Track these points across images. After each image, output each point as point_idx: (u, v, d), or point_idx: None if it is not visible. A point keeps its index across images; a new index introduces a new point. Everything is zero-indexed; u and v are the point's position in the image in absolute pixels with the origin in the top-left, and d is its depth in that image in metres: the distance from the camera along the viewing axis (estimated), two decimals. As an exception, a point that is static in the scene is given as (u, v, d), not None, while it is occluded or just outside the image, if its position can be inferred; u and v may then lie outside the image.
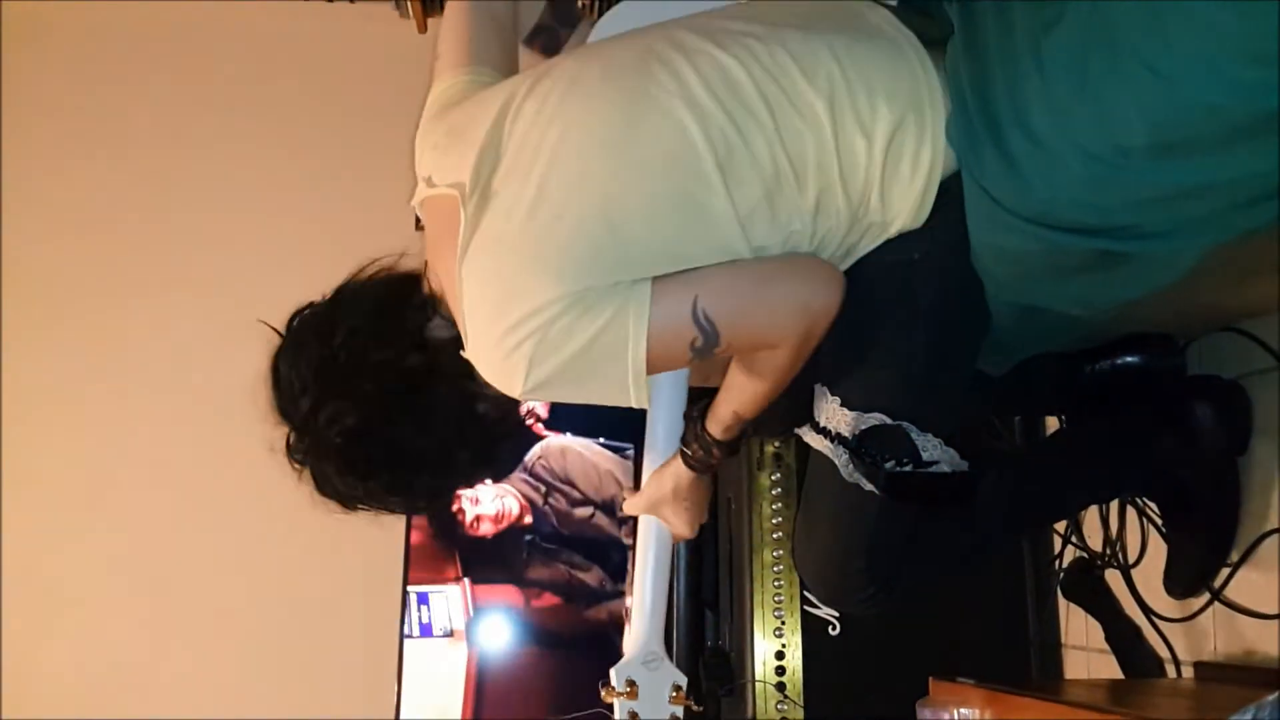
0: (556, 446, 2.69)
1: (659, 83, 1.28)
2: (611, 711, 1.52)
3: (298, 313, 1.41)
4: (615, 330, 1.24)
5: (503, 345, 1.25)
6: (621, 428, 2.60)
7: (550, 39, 2.14)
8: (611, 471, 2.62)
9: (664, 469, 1.54)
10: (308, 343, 1.35)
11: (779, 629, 2.06)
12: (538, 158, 1.28)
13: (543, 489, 2.67)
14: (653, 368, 1.26)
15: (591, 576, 2.63)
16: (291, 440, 1.38)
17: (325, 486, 1.38)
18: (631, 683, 1.47)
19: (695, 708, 1.50)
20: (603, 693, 1.49)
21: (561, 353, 1.24)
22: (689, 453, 1.50)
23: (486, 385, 1.32)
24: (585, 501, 2.67)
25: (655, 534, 1.57)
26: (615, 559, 2.56)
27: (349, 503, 1.39)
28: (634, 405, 1.29)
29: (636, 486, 1.60)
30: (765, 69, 1.28)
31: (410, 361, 1.35)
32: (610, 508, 2.61)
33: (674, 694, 1.48)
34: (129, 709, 2.52)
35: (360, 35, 2.84)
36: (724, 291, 1.27)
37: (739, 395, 1.42)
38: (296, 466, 1.38)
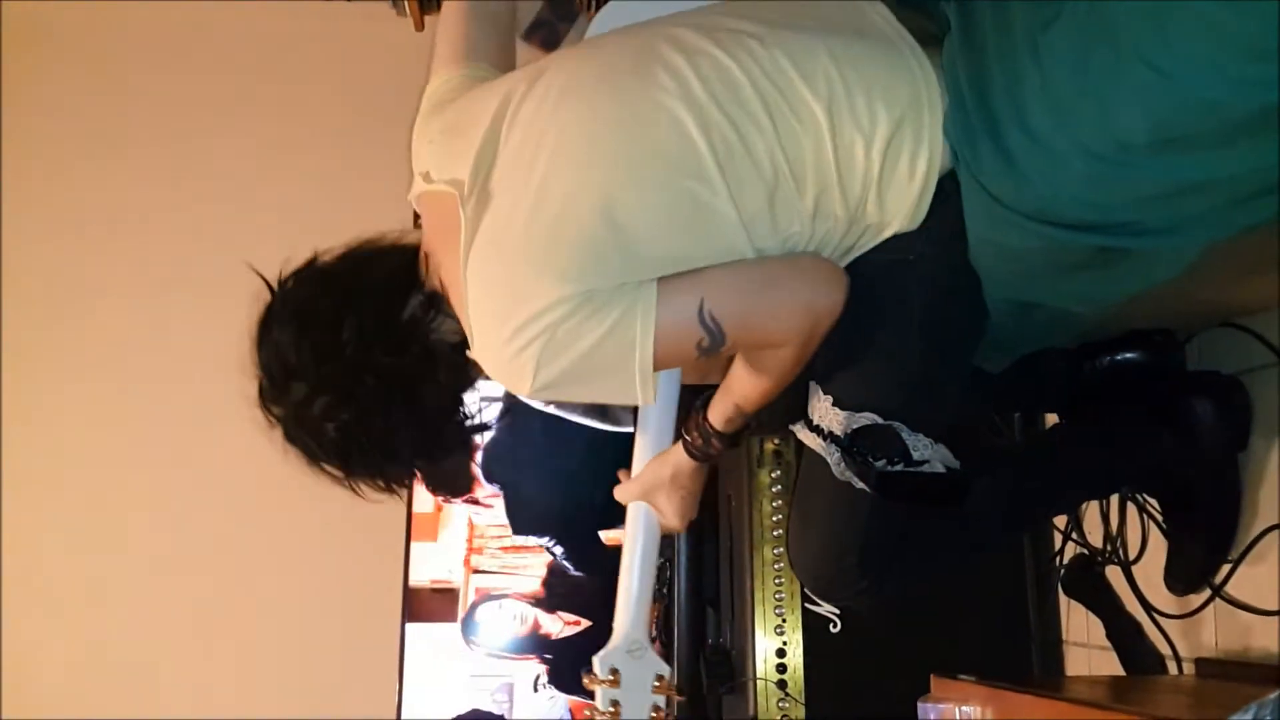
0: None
1: (659, 83, 1.28)
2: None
3: (296, 274, 1.40)
4: (623, 332, 1.25)
5: (510, 347, 1.26)
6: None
7: (549, 34, 2.15)
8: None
9: (664, 456, 1.53)
10: (311, 326, 1.35)
11: (780, 626, 2.06)
12: (537, 158, 1.28)
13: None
14: (659, 366, 1.27)
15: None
16: (269, 398, 1.37)
17: (298, 444, 1.38)
18: (615, 671, 1.46)
19: (678, 697, 1.49)
20: (585, 680, 1.48)
21: (569, 354, 1.25)
22: (690, 440, 1.50)
23: (476, 378, 1.35)
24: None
25: (644, 523, 1.55)
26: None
27: (317, 464, 1.39)
28: (641, 403, 1.30)
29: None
30: (764, 71, 1.27)
31: (413, 366, 1.36)
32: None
33: (657, 683, 1.47)
34: (128, 706, 2.53)
35: (359, 34, 2.83)
36: (729, 293, 1.28)
37: (742, 390, 1.42)
38: (270, 420, 1.38)
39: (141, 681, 2.61)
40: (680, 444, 1.52)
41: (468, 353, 1.33)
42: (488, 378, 1.37)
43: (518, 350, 1.25)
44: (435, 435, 1.42)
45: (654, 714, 1.45)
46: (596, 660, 1.47)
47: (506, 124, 1.33)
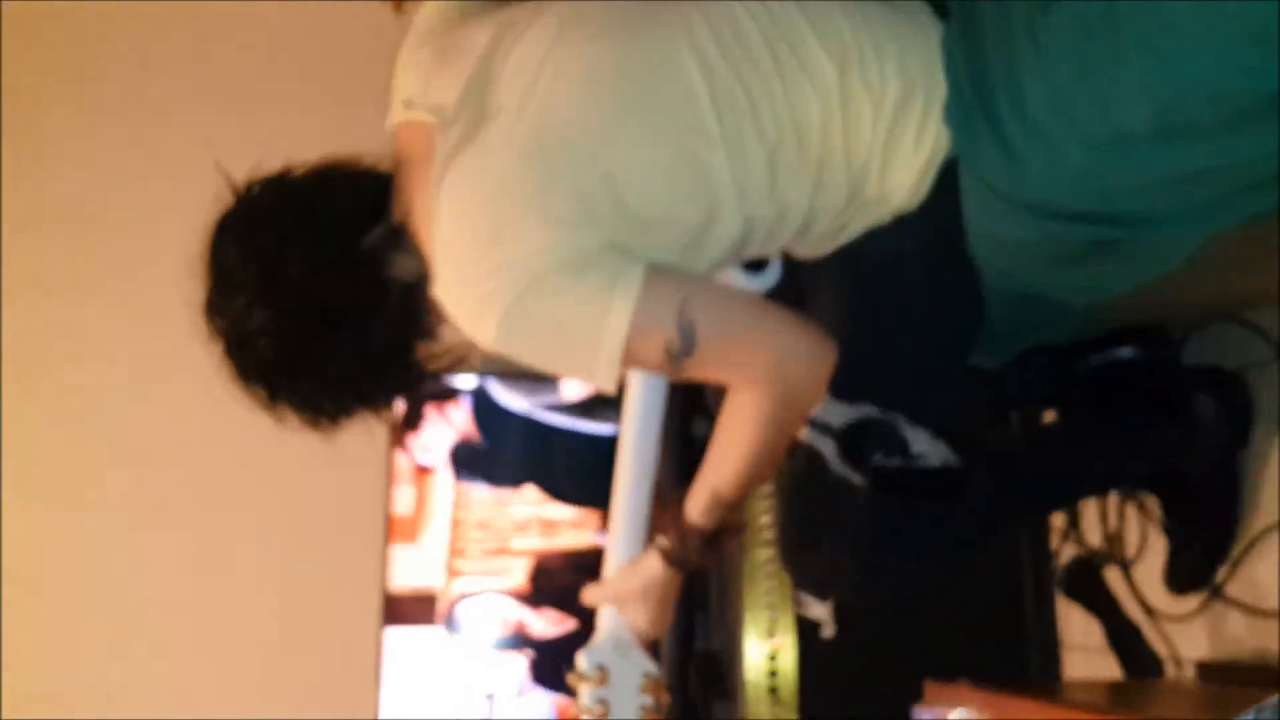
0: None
1: (666, 28, 1.24)
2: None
3: (263, 182, 1.34)
4: (598, 302, 1.19)
5: (478, 290, 1.20)
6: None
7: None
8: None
9: (633, 565, 1.43)
10: (262, 238, 1.28)
11: (771, 631, 2.03)
12: (531, 95, 1.23)
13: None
14: (626, 356, 1.21)
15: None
16: (213, 307, 1.31)
17: (233, 360, 1.31)
18: (602, 668, 1.42)
19: (667, 697, 1.45)
20: (570, 678, 1.44)
21: (540, 309, 1.19)
22: (664, 542, 1.39)
23: (427, 325, 1.30)
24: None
25: (629, 517, 1.50)
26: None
27: (246, 384, 1.32)
28: (599, 386, 1.23)
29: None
30: (778, 26, 1.24)
31: (360, 298, 1.29)
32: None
33: (644, 682, 1.43)
34: (110, 708, 2.51)
35: (359, 31, 2.82)
36: (714, 305, 1.24)
37: (717, 470, 1.33)
38: (211, 331, 1.31)
39: (121, 684, 2.59)
40: (654, 550, 1.41)
41: (428, 292, 1.27)
42: (444, 322, 1.31)
43: (485, 295, 1.20)
44: (372, 375, 1.34)
45: (643, 714, 1.40)
46: (582, 656, 1.42)
47: (502, 55, 1.27)
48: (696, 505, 1.35)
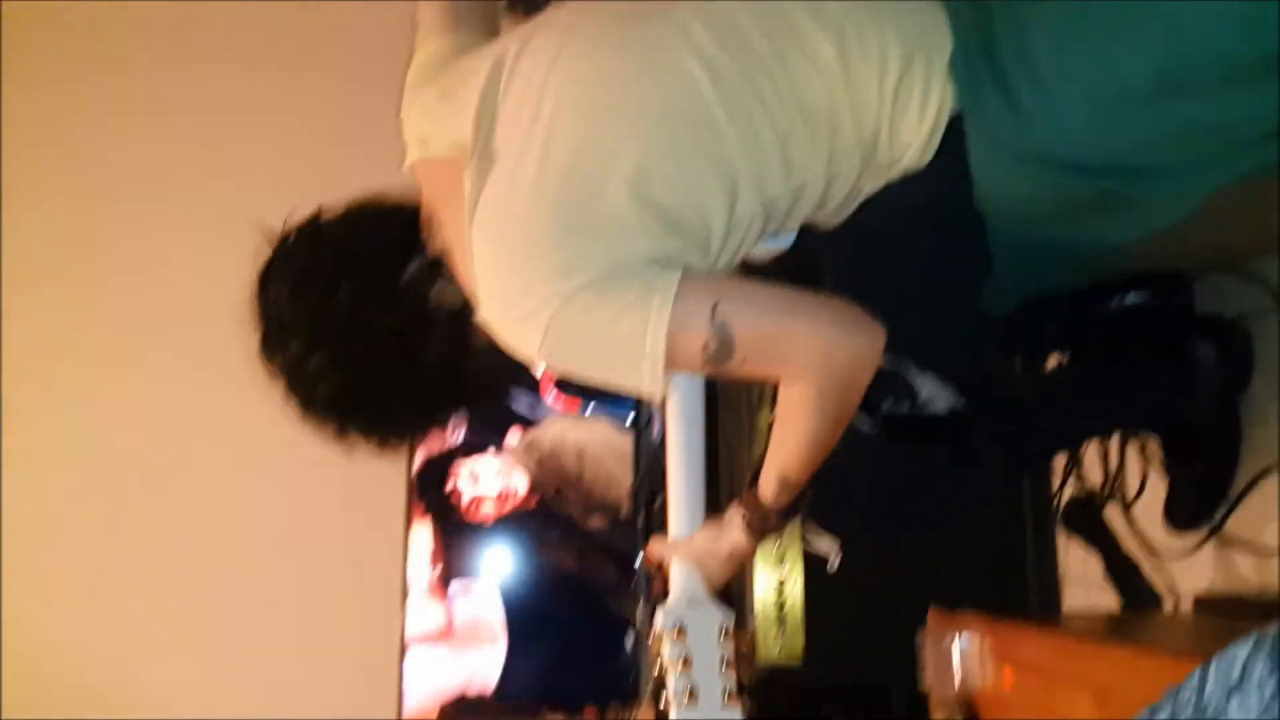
0: (572, 445, 2.60)
1: (663, 33, 1.26)
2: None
3: (297, 230, 1.37)
4: (636, 314, 1.20)
5: (517, 315, 1.24)
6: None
7: (533, 4, 2.12)
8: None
9: (722, 530, 1.44)
10: (307, 285, 1.32)
11: (779, 560, 2.06)
12: (539, 115, 1.25)
13: (553, 487, 2.59)
14: (669, 362, 1.21)
15: (606, 571, 2.55)
16: (267, 352, 1.35)
17: (294, 398, 1.35)
18: (680, 625, 1.45)
19: (746, 647, 1.48)
20: (650, 641, 1.47)
21: (581, 324, 1.21)
22: (745, 516, 1.42)
23: (479, 344, 1.32)
24: (600, 508, 2.59)
25: (687, 481, 1.52)
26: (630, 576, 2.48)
27: (311, 418, 1.37)
28: (647, 393, 1.24)
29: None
30: (771, 15, 1.26)
31: (408, 327, 1.33)
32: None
33: (723, 634, 1.46)
34: (125, 703, 2.54)
35: (359, 22, 2.81)
36: (747, 303, 1.23)
37: (780, 455, 1.35)
38: (269, 373, 1.35)
39: (139, 675, 2.62)
40: (739, 520, 1.43)
41: (474, 317, 1.30)
42: (494, 344, 1.33)
43: (525, 316, 1.22)
44: (430, 400, 1.40)
45: (726, 664, 1.43)
46: (660, 616, 1.44)
47: (504, 81, 1.30)
48: (768, 489, 1.37)
